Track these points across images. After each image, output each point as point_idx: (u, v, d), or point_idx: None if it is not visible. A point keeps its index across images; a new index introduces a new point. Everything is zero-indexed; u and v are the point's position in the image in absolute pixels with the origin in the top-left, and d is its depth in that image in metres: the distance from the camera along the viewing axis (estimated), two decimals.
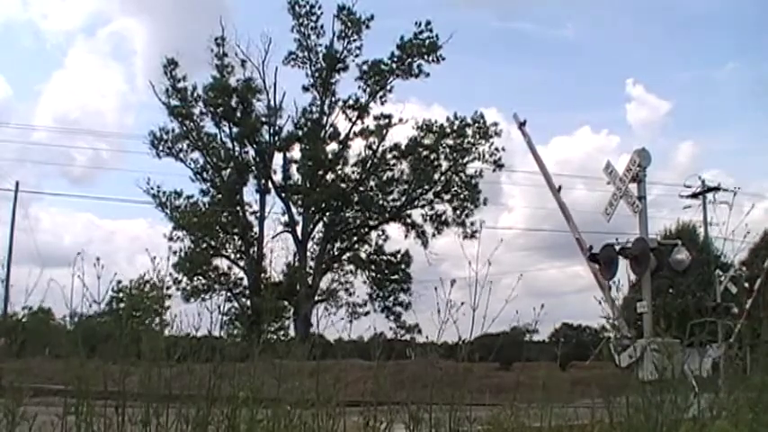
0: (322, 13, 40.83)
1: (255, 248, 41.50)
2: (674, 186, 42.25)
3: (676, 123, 78.38)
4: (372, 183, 42.12)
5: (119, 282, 5.47)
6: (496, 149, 40.20)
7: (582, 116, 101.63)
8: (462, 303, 4.98)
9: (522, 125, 16.81)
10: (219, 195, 41.53)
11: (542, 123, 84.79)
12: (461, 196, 41.17)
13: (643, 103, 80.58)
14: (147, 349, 4.63)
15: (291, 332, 39.69)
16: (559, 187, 14.98)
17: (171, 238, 40.63)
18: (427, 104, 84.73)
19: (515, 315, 5.38)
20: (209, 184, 42.10)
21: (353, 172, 42.03)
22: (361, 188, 41.94)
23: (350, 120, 41.65)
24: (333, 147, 41.82)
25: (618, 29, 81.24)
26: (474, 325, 5.17)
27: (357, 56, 41.18)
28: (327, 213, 41.41)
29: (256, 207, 42.23)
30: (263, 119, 41.65)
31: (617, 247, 14.23)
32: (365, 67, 40.93)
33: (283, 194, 41.86)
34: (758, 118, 74.03)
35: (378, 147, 41.47)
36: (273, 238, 41.59)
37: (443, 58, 40.62)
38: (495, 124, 40.72)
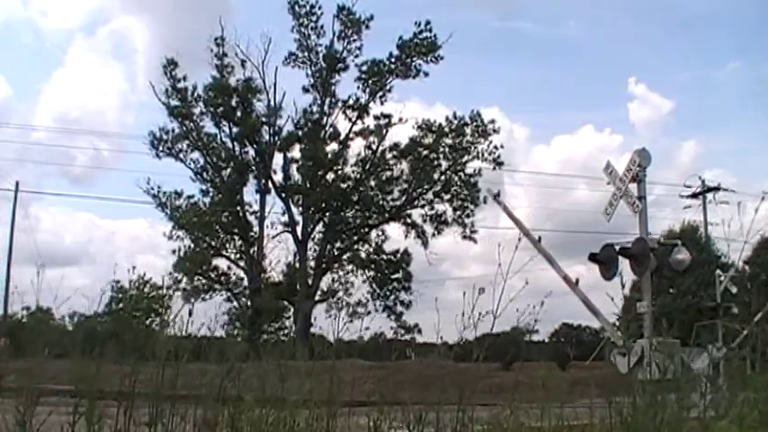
0: (322, 14, 40.83)
1: (255, 248, 41.48)
2: (677, 186, 42.27)
3: (679, 122, 78.49)
4: (372, 183, 42.10)
5: (117, 281, 5.43)
6: (495, 147, 40.25)
7: (584, 115, 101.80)
8: (485, 313, 4.98)
9: (496, 197, 17.38)
10: (219, 195, 41.50)
11: (545, 122, 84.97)
12: (461, 196, 41.16)
13: (645, 101, 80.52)
14: (152, 349, 4.62)
15: (292, 332, 39.79)
16: (539, 238, 16.19)
17: (171, 238, 40.73)
18: (429, 104, 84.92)
19: (516, 314, 5.39)
20: (209, 184, 42.08)
21: (353, 172, 42.04)
22: (361, 188, 41.91)
23: (350, 120, 41.68)
24: (333, 147, 41.84)
25: (619, 28, 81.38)
26: (476, 325, 5.18)
27: (357, 56, 41.20)
28: (327, 213, 41.40)
29: (256, 207, 42.27)
30: (263, 119, 41.61)
31: (617, 247, 14.25)
32: (364, 68, 40.93)
33: (283, 194, 41.85)
34: (760, 118, 74.10)
35: (377, 147, 41.49)
36: (273, 238, 41.64)
37: (442, 58, 40.62)
38: (493, 122, 40.76)
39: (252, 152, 41.88)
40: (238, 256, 41.95)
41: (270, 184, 42.09)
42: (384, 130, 41.12)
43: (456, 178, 41.30)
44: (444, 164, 41.11)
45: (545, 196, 72.87)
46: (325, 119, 41.75)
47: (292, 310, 41.17)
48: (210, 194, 41.99)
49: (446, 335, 5.54)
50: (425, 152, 40.81)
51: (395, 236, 42.65)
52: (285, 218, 41.86)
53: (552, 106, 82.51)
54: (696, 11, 76.54)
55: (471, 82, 72.77)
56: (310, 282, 40.57)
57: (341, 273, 42.72)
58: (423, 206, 41.77)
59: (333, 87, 41.48)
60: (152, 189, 40.36)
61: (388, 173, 41.70)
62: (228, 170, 41.57)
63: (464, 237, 41.16)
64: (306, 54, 41.13)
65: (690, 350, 6.99)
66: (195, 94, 41.13)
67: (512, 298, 5.03)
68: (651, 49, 79.50)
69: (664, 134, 76.13)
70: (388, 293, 42.19)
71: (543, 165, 72.49)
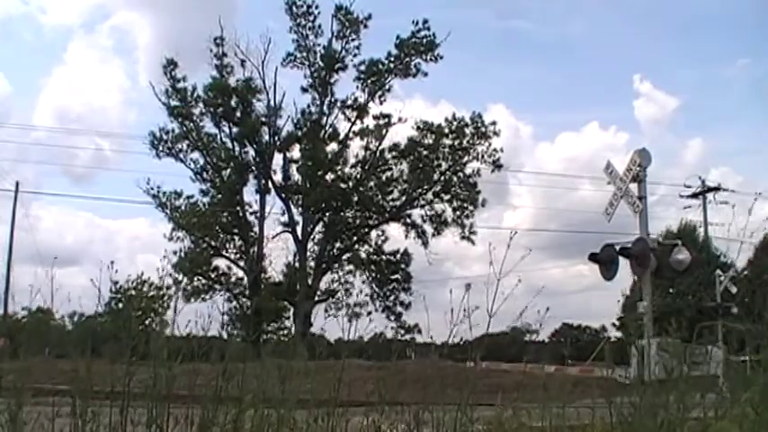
0: (320, 13, 40.69)
1: (255, 248, 41.47)
2: (682, 186, 42.18)
3: (685, 120, 78.18)
4: (372, 183, 42.09)
5: (116, 282, 5.39)
6: (494, 150, 40.21)
7: (589, 113, 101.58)
8: (477, 307, 4.96)
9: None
10: (219, 195, 41.47)
11: (549, 120, 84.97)
12: (461, 196, 41.17)
13: (651, 99, 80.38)
14: (152, 349, 4.60)
15: (292, 332, 39.77)
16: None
17: (171, 239, 40.71)
18: (434, 102, 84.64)
19: (517, 315, 5.37)
20: (209, 184, 42.06)
21: (353, 172, 42.04)
22: (361, 188, 41.90)
23: (349, 120, 41.66)
24: (332, 147, 41.81)
25: (624, 25, 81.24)
26: (474, 326, 5.17)
27: (356, 55, 41.12)
28: (327, 213, 41.37)
29: (256, 207, 42.23)
30: (263, 119, 41.59)
31: (617, 247, 14.26)
32: (363, 67, 40.87)
33: (283, 194, 41.83)
34: (766, 116, 73.71)
35: (377, 147, 41.47)
36: (273, 238, 41.63)
37: (441, 57, 40.47)
38: (494, 123, 40.73)
39: (252, 152, 41.90)
40: (238, 256, 41.96)
41: (270, 184, 42.10)
42: (384, 131, 41.15)
43: (456, 179, 41.30)
44: (444, 164, 41.11)
45: (549, 195, 72.78)
46: (324, 119, 41.74)
47: (292, 310, 41.17)
48: (210, 194, 41.98)
49: (445, 335, 5.53)
50: (425, 152, 40.79)
51: (395, 236, 42.73)
52: (285, 218, 41.91)
53: (556, 104, 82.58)
54: (702, 8, 76.37)
55: (476, 80, 72.99)
56: (310, 282, 40.55)
57: (341, 273, 42.77)
58: (422, 206, 41.81)
59: (332, 87, 41.50)
60: (152, 189, 40.42)
61: (388, 173, 41.71)
62: (228, 170, 41.54)
63: (462, 237, 41.21)
64: (304, 54, 41.10)
65: (698, 349, 6.96)
66: (195, 95, 41.18)
67: (506, 296, 5.01)
68: (656, 46, 79.42)
69: (670, 132, 76.02)
70: (387, 294, 42.20)
71: (548, 162, 72.40)
